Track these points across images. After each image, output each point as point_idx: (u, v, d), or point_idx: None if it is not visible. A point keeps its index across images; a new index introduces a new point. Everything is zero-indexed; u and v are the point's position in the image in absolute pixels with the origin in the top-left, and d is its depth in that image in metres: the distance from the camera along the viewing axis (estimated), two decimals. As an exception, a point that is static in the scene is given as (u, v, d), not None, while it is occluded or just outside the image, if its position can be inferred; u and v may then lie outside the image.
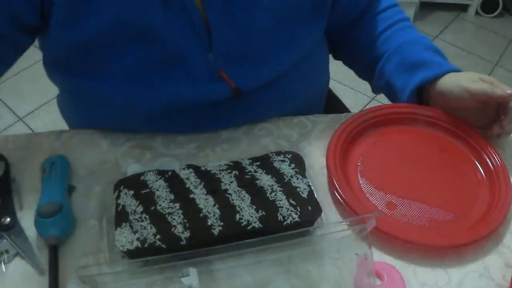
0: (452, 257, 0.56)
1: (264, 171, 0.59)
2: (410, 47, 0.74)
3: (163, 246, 0.51)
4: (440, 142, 0.70)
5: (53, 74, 0.68)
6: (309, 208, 0.55)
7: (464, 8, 2.72)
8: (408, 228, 0.58)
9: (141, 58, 0.61)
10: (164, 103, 0.64)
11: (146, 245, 0.51)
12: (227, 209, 0.54)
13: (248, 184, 0.57)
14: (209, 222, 0.53)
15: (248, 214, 0.54)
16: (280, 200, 0.55)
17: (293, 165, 0.60)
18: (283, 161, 0.60)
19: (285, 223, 0.54)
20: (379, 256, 0.56)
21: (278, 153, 0.62)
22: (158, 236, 0.51)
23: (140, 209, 0.54)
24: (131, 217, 0.53)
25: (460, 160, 0.68)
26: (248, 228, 0.53)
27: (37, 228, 0.54)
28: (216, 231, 0.52)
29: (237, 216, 0.53)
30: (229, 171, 0.58)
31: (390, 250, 0.56)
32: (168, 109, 0.65)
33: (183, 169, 0.59)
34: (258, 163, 0.60)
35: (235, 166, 0.59)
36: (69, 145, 0.66)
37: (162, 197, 0.55)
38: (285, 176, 0.58)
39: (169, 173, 0.58)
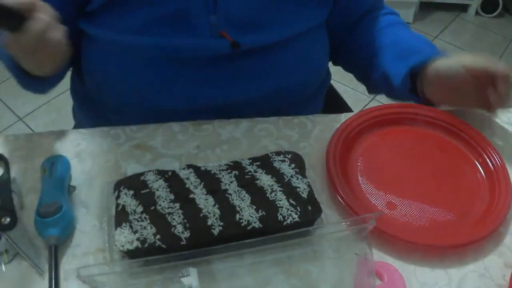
0: (452, 257, 0.56)
1: (264, 171, 0.59)
2: (407, 39, 0.77)
3: (163, 246, 0.51)
4: (440, 142, 0.70)
5: (84, 25, 0.71)
6: (309, 208, 0.55)
7: (464, 8, 2.72)
8: (408, 228, 0.58)
9: (152, 13, 0.66)
10: (169, 51, 0.68)
11: (146, 245, 0.51)
12: (227, 209, 0.54)
13: (248, 184, 0.57)
14: (209, 222, 0.53)
15: (248, 214, 0.54)
16: (280, 200, 0.55)
17: (293, 165, 0.60)
18: (283, 161, 0.60)
19: (285, 223, 0.54)
20: (379, 256, 0.55)
21: (278, 153, 0.62)
22: (158, 236, 0.51)
23: (140, 209, 0.54)
24: (131, 217, 0.53)
25: (460, 160, 0.68)
26: (248, 228, 0.53)
27: (37, 228, 0.54)
28: (216, 231, 0.52)
29: (237, 216, 0.53)
30: (229, 171, 0.58)
31: (390, 250, 0.56)
32: (172, 57, 0.69)
33: (183, 169, 0.59)
34: (258, 163, 0.60)
35: (235, 166, 0.59)
36: (69, 145, 0.66)
37: (162, 197, 0.55)
38: (285, 176, 0.58)
39: (169, 173, 0.58)
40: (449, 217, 0.60)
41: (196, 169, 0.59)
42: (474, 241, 0.56)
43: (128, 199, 0.55)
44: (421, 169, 0.66)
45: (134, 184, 0.57)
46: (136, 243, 0.51)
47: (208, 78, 0.71)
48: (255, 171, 0.58)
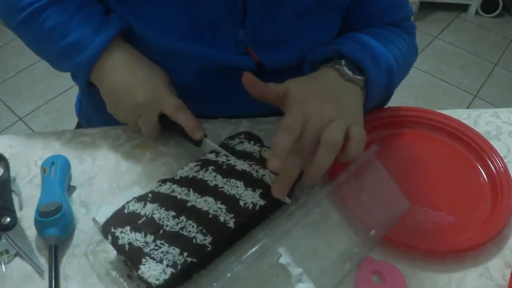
0: (453, 257, 0.56)
1: (235, 157, 0.59)
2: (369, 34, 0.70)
3: (194, 260, 0.50)
4: (443, 146, 0.69)
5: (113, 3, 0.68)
6: None
7: (464, 8, 2.72)
8: (410, 232, 0.58)
9: (184, 15, 0.64)
10: (195, 60, 0.67)
11: (179, 267, 0.49)
12: (229, 201, 0.54)
13: (230, 172, 0.57)
14: (222, 219, 0.53)
15: (250, 196, 0.55)
16: (266, 175, 0.57)
17: (252, 142, 0.62)
18: (242, 142, 0.62)
19: None
20: (380, 256, 0.55)
21: (232, 137, 0.63)
22: (185, 253, 0.50)
23: (150, 238, 0.51)
24: (146, 250, 0.50)
25: (463, 164, 0.67)
26: (257, 208, 0.54)
27: (37, 228, 0.54)
28: (231, 224, 0.52)
29: (241, 203, 0.54)
30: (204, 169, 0.58)
31: (391, 250, 0.56)
32: (199, 68, 0.68)
33: (160, 186, 0.57)
34: (223, 153, 0.60)
35: (205, 162, 0.59)
36: (69, 145, 0.66)
37: (164, 217, 0.53)
38: (253, 153, 0.60)
39: (150, 195, 0.55)
40: (451, 221, 0.60)
41: (173, 181, 0.57)
42: (477, 245, 0.56)
43: (131, 236, 0.51)
44: (423, 172, 0.66)
45: (123, 220, 0.52)
46: (169, 270, 0.48)
47: (230, 89, 0.69)
48: (228, 160, 0.59)
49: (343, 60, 0.61)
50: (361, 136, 0.55)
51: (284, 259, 0.51)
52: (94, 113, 0.81)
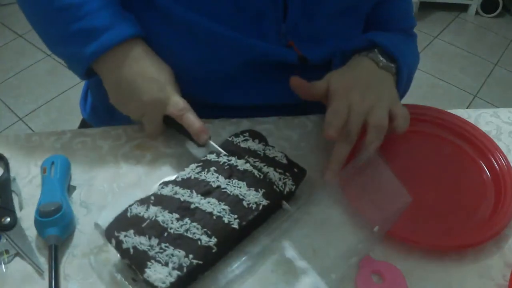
0: (453, 257, 0.56)
1: (237, 156, 0.59)
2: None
3: (200, 262, 0.49)
4: (446, 143, 0.69)
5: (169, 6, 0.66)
6: (295, 170, 0.59)
7: (464, 8, 2.72)
8: (412, 229, 0.58)
9: (226, 2, 0.64)
10: (240, 48, 0.67)
11: (185, 270, 0.48)
12: (232, 201, 0.54)
13: (233, 173, 0.57)
14: (226, 220, 0.52)
15: (253, 196, 0.54)
16: (269, 173, 0.57)
17: (257, 140, 0.62)
18: (246, 140, 0.62)
19: (285, 191, 0.56)
20: (380, 255, 0.55)
21: (236, 135, 0.63)
22: (190, 256, 0.49)
23: (155, 241, 0.50)
24: (151, 253, 0.49)
25: (466, 161, 0.67)
26: (260, 208, 0.54)
27: (37, 228, 0.54)
28: (235, 225, 0.52)
29: (244, 203, 0.54)
30: (206, 170, 0.58)
31: (391, 250, 0.56)
32: (242, 58, 0.68)
33: (162, 188, 0.56)
34: (225, 153, 0.60)
35: (207, 163, 0.59)
36: (70, 145, 0.66)
37: (168, 220, 0.52)
38: (258, 152, 0.60)
39: (152, 197, 0.55)
40: (454, 218, 0.60)
41: (175, 182, 0.57)
42: (481, 242, 0.56)
43: (135, 239, 0.50)
44: (426, 170, 0.66)
45: (127, 223, 0.52)
46: (175, 273, 0.48)
47: (266, 82, 0.71)
48: (229, 160, 0.59)
49: (376, 49, 0.67)
50: (405, 112, 0.61)
51: (289, 253, 0.51)
52: (107, 100, 0.74)
